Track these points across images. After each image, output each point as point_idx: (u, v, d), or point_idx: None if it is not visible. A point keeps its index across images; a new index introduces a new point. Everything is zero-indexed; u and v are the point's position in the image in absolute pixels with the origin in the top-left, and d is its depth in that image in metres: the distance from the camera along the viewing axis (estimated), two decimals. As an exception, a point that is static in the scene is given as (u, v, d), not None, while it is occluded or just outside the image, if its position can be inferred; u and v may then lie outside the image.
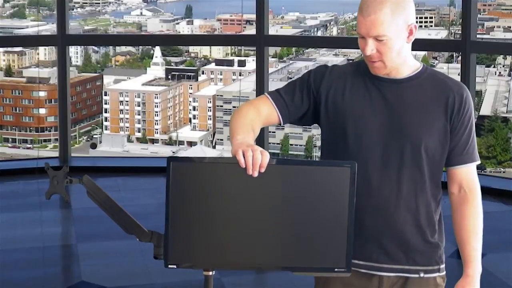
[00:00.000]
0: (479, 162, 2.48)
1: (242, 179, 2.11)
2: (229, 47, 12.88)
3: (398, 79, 2.42)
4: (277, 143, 12.04)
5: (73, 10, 12.80)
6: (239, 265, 2.17)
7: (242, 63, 12.57)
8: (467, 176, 2.45)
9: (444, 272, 2.50)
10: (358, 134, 2.39)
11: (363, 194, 2.36)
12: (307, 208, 2.12)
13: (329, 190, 2.12)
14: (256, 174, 2.08)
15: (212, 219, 2.12)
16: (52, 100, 11.96)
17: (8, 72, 12.71)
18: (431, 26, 12.87)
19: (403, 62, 2.41)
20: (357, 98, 2.41)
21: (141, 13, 13.45)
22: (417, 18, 2.46)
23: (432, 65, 11.44)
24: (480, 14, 11.44)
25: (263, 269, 2.19)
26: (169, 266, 2.15)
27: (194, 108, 12.64)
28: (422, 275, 2.45)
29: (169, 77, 12.67)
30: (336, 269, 2.15)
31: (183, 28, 13.09)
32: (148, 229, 2.19)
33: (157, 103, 12.53)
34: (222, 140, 12.26)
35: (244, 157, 2.08)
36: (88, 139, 12.70)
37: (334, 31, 13.02)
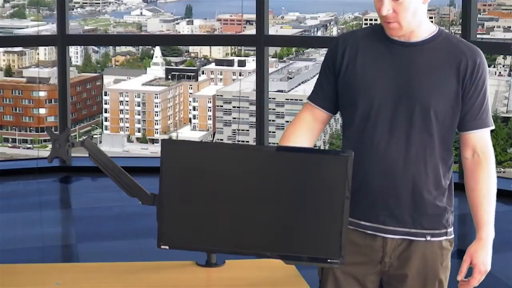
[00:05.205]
0: (493, 127, 2.47)
1: (237, 163, 2.10)
2: (229, 47, 12.87)
3: (412, 42, 2.41)
4: (277, 143, 12.02)
5: (73, 10, 12.78)
6: (229, 249, 2.16)
7: (242, 63, 12.55)
8: (481, 141, 2.45)
9: (452, 236, 2.50)
10: (368, 98, 2.40)
11: (371, 157, 2.37)
12: (302, 196, 2.10)
13: (325, 179, 2.11)
14: None
15: (205, 202, 2.10)
16: (52, 100, 11.95)
17: (8, 72, 12.69)
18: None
19: (418, 25, 2.40)
20: (367, 62, 2.43)
21: (141, 13, 13.43)
22: (416, 18, 2.47)
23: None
24: (480, 14, 11.42)
25: (254, 254, 2.16)
26: (162, 246, 2.15)
27: (194, 108, 12.63)
28: (428, 238, 2.44)
29: (169, 77, 12.66)
30: (329, 260, 2.13)
31: (183, 28, 13.07)
32: (150, 192, 2.17)
33: (157, 103, 12.52)
34: (222, 140, 12.26)
35: None
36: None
37: (334, 31, 13.00)
